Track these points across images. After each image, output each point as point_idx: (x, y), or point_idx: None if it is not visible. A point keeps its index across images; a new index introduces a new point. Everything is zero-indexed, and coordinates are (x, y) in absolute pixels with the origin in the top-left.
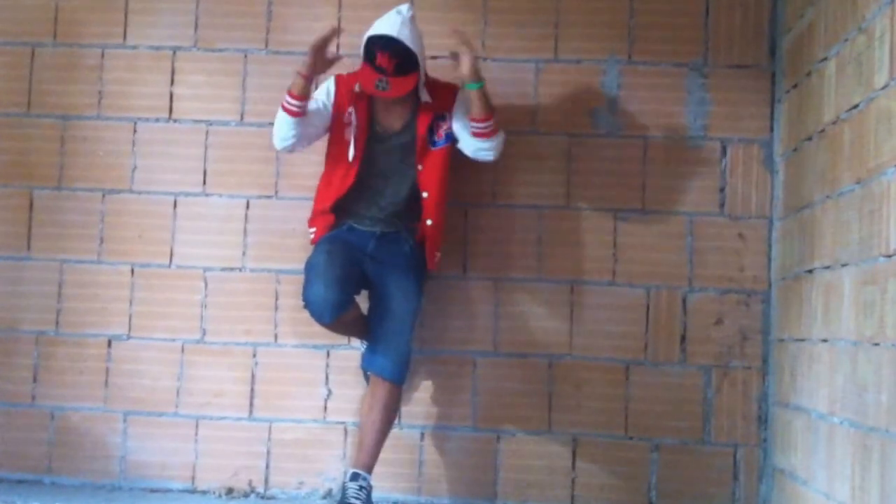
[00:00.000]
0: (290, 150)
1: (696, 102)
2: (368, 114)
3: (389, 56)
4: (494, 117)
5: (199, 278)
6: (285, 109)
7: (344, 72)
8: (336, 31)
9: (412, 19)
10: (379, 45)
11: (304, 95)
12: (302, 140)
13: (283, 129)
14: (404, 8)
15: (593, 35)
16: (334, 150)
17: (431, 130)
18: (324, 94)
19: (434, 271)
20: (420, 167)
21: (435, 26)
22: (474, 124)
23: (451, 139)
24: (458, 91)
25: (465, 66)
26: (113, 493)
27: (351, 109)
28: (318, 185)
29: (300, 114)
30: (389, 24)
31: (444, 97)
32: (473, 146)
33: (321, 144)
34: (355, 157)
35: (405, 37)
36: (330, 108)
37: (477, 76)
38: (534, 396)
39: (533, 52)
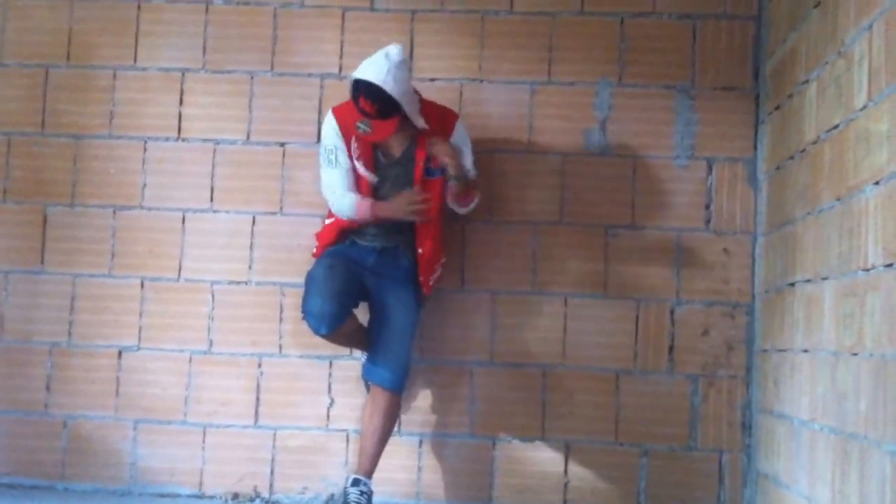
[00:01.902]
0: None
1: (683, 123)
2: (371, 147)
3: (371, 102)
4: (473, 193)
5: (207, 291)
6: (366, 217)
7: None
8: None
9: (400, 64)
10: (363, 90)
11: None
12: None
13: (349, 218)
14: (393, 51)
15: (586, 58)
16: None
17: (428, 159)
18: (334, 136)
19: (428, 296)
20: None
21: (434, 49)
22: (451, 201)
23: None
24: (455, 122)
25: (448, 169)
26: (123, 499)
27: (354, 143)
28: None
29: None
30: (376, 68)
31: (442, 125)
32: (449, 204)
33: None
34: (367, 188)
35: (388, 84)
36: (345, 144)
37: (458, 175)
38: (528, 404)
39: (528, 75)
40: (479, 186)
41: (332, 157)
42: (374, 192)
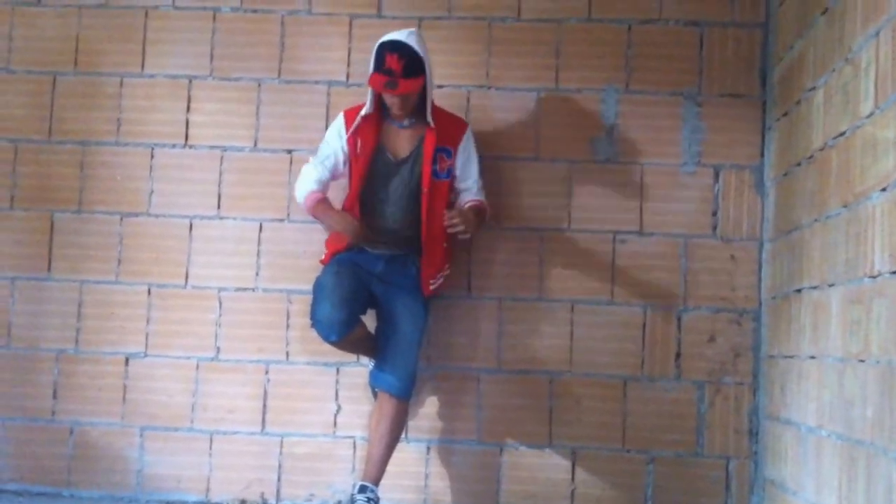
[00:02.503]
0: None
1: (690, 130)
2: (377, 142)
3: (398, 56)
4: (484, 218)
5: (214, 298)
6: (307, 208)
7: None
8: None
9: (420, 37)
10: (388, 48)
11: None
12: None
13: (302, 203)
14: (413, 30)
15: (592, 65)
16: (352, 180)
17: (435, 160)
18: (335, 137)
19: (429, 298)
20: (425, 196)
21: (442, 56)
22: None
23: (452, 176)
24: (466, 129)
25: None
26: None
27: (359, 141)
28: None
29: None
30: (398, 33)
31: (452, 131)
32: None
33: None
34: (357, 188)
35: (413, 42)
36: (345, 148)
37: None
38: (535, 411)
39: (535, 82)
40: (486, 209)
41: (322, 152)
42: (381, 191)
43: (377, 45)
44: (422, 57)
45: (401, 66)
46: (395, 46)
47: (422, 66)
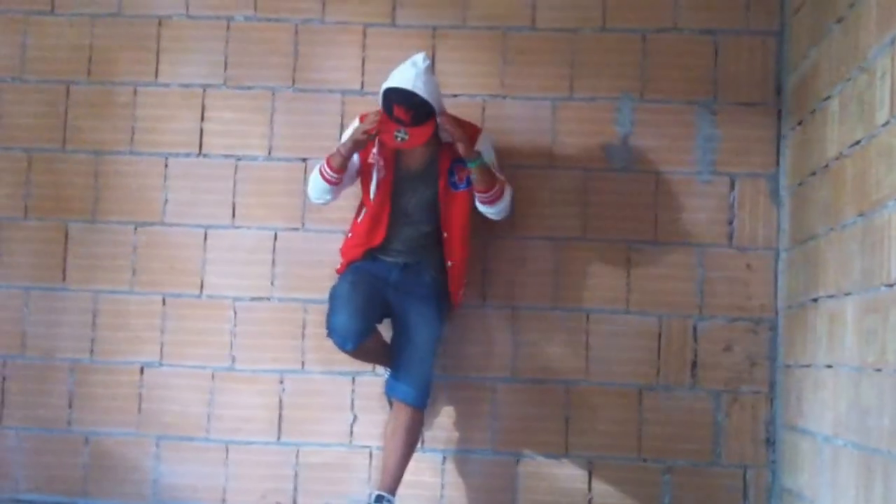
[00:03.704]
0: (325, 204)
1: (705, 139)
2: (394, 153)
3: (406, 108)
4: (497, 186)
5: (229, 308)
6: (323, 178)
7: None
8: (377, 123)
9: (427, 70)
10: (395, 99)
11: (343, 169)
12: (335, 196)
13: (319, 191)
14: (419, 58)
15: (607, 74)
16: (366, 190)
17: (452, 172)
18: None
19: (458, 307)
20: (442, 208)
21: (456, 66)
22: (477, 193)
23: (472, 185)
24: (480, 134)
25: (459, 149)
26: None
27: (375, 151)
28: (354, 218)
29: (337, 183)
30: (404, 76)
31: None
32: (479, 208)
33: None
34: (383, 201)
35: (419, 89)
36: (357, 154)
37: (470, 155)
38: (551, 421)
39: (549, 91)
40: (504, 185)
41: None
42: (396, 202)
43: (383, 89)
44: (430, 102)
45: (409, 116)
46: (402, 97)
47: (431, 109)
